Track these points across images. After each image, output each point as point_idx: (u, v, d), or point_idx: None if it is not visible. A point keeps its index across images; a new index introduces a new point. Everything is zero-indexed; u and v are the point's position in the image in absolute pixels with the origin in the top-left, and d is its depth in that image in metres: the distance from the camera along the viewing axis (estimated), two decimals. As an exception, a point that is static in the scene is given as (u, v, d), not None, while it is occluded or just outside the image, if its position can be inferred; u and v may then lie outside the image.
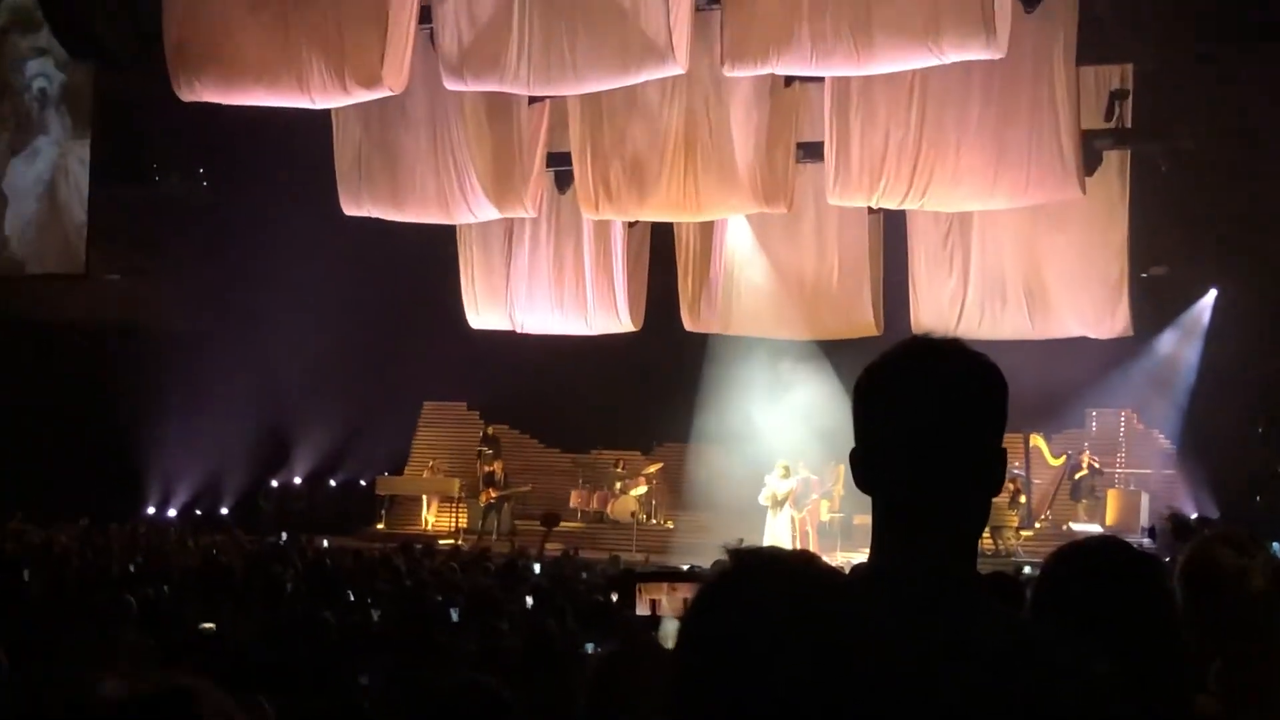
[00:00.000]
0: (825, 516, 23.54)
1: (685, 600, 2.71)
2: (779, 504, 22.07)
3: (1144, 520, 22.71)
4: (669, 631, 2.64)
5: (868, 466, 2.13)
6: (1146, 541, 20.75)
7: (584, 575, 15.00)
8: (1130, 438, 25.76)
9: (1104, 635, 2.47)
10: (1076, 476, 24.40)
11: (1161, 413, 25.01)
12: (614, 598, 10.88)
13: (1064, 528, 22.92)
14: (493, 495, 26.44)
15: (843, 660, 1.65)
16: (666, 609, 2.62)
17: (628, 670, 2.70)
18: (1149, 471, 24.80)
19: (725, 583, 1.74)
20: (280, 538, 21.01)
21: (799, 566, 1.75)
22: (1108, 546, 2.95)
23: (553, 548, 20.44)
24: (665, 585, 2.62)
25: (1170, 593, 2.91)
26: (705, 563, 15.74)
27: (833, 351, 22.86)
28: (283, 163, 24.22)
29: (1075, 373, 23.49)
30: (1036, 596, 2.86)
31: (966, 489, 2.08)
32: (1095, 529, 22.36)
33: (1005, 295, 21.46)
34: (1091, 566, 2.83)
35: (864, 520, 20.57)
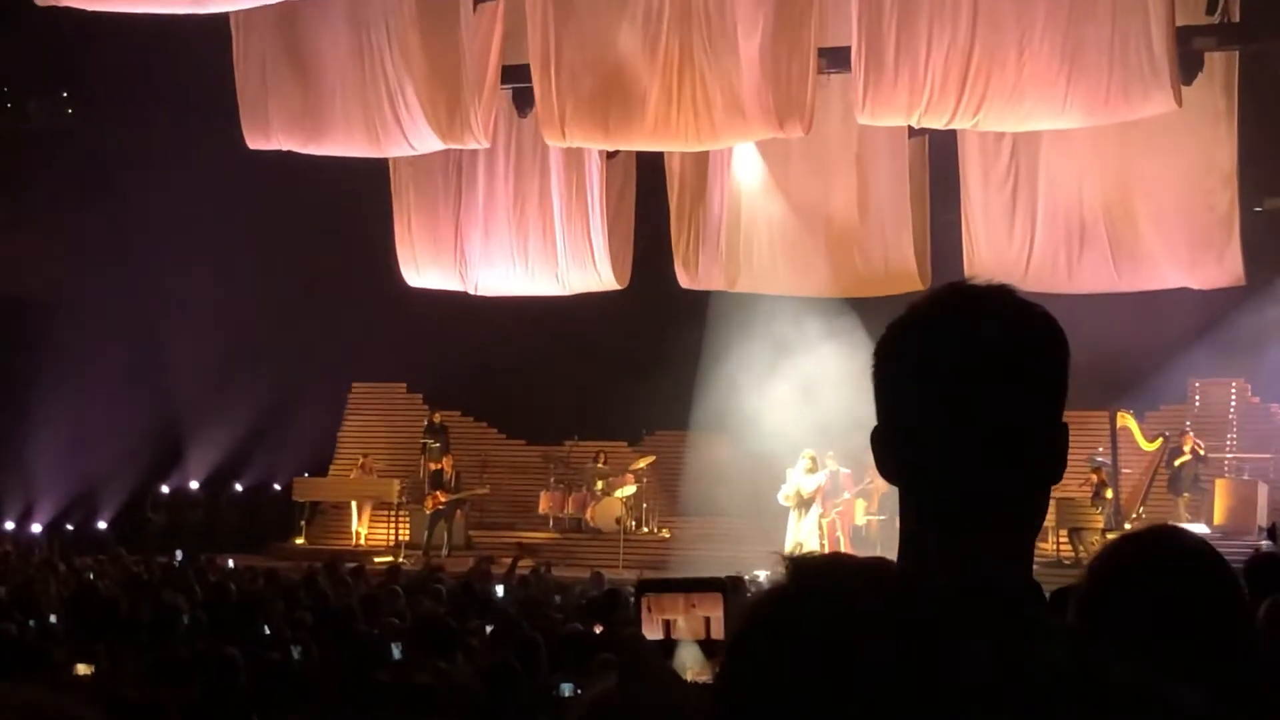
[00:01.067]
0: (861, 519, 23.61)
1: (709, 620, 2.70)
2: (805, 504, 22.13)
3: (1262, 518, 22.78)
4: (688, 660, 2.64)
5: (893, 448, 2.11)
6: (1265, 544, 20.80)
7: (558, 599, 15.02)
8: (1243, 414, 25.85)
9: (1155, 653, 2.49)
10: (1177, 464, 24.46)
11: (1283, 383, 25.14)
12: (597, 630, 10.90)
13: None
14: (441, 500, 26.43)
15: (938, 690, 1.66)
16: (684, 631, 2.60)
17: (629, 714, 2.70)
18: (1267, 456, 24.88)
19: (787, 597, 1.74)
20: (174, 557, 21.00)
21: (874, 577, 1.76)
22: (1155, 541, 2.96)
23: (521, 564, 20.44)
24: (681, 600, 2.60)
25: (1241, 601, 2.92)
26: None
27: (867, 312, 22.82)
28: (169, 84, 24.15)
29: (1173, 334, 23.53)
30: (1080, 609, 2.86)
31: (1018, 477, 2.06)
32: (1201, 529, 22.43)
33: (1083, 238, 21.48)
34: (1134, 567, 2.85)
35: (910, 523, 20.72)
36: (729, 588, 2.74)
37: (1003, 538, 2.05)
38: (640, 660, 2.66)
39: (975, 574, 2.00)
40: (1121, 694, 1.91)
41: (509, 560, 20.12)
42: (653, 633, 2.69)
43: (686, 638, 2.65)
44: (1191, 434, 24.63)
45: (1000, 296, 2.09)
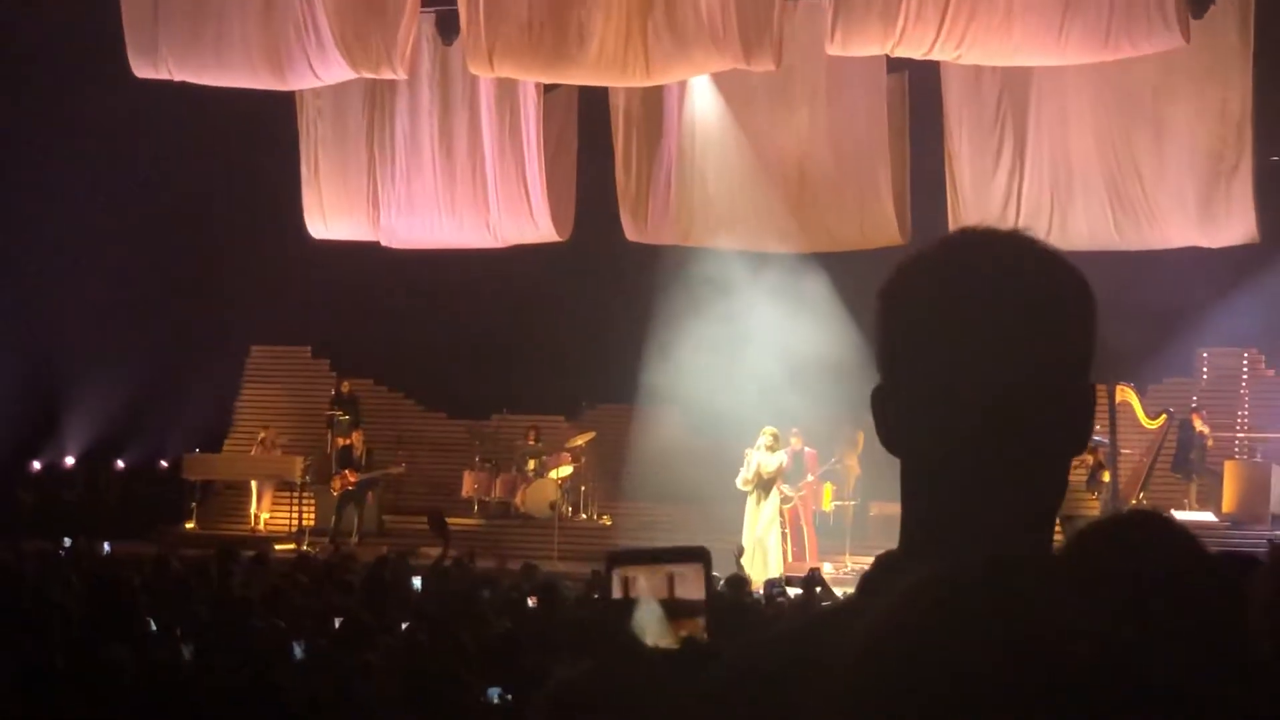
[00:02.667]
0: (829, 505, 23.67)
1: (672, 577, 2.73)
2: (764, 486, 22.18)
3: (1275, 504, 22.97)
4: (647, 620, 2.66)
5: (899, 411, 2.09)
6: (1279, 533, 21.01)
7: (485, 593, 15.02)
8: (1256, 388, 26.04)
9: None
10: (1183, 442, 24.60)
11: (1300, 353, 25.37)
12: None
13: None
14: (351, 480, 26.36)
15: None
16: (645, 588, 2.61)
17: (602, 700, 2.73)
18: (1283, 435, 25.08)
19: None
20: (61, 544, 20.80)
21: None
22: (1141, 525, 2.98)
23: (438, 553, 20.41)
24: (661, 572, 2.62)
25: (1240, 601, 2.95)
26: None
27: (840, 270, 22.93)
28: (43, 5, 23.93)
29: (1179, 299, 23.70)
30: None
31: (1042, 443, 2.05)
32: (1208, 518, 22.62)
33: (1079, 189, 21.62)
34: (1117, 554, 2.88)
35: (884, 510, 20.79)
36: (709, 557, 2.75)
37: (1019, 514, 2.05)
38: (619, 641, 2.69)
39: (989, 559, 2.01)
40: (1156, 688, 1.92)
41: (431, 550, 20.10)
42: (647, 595, 2.70)
43: (647, 595, 2.67)
44: (1204, 413, 24.73)
45: (1024, 243, 2.11)
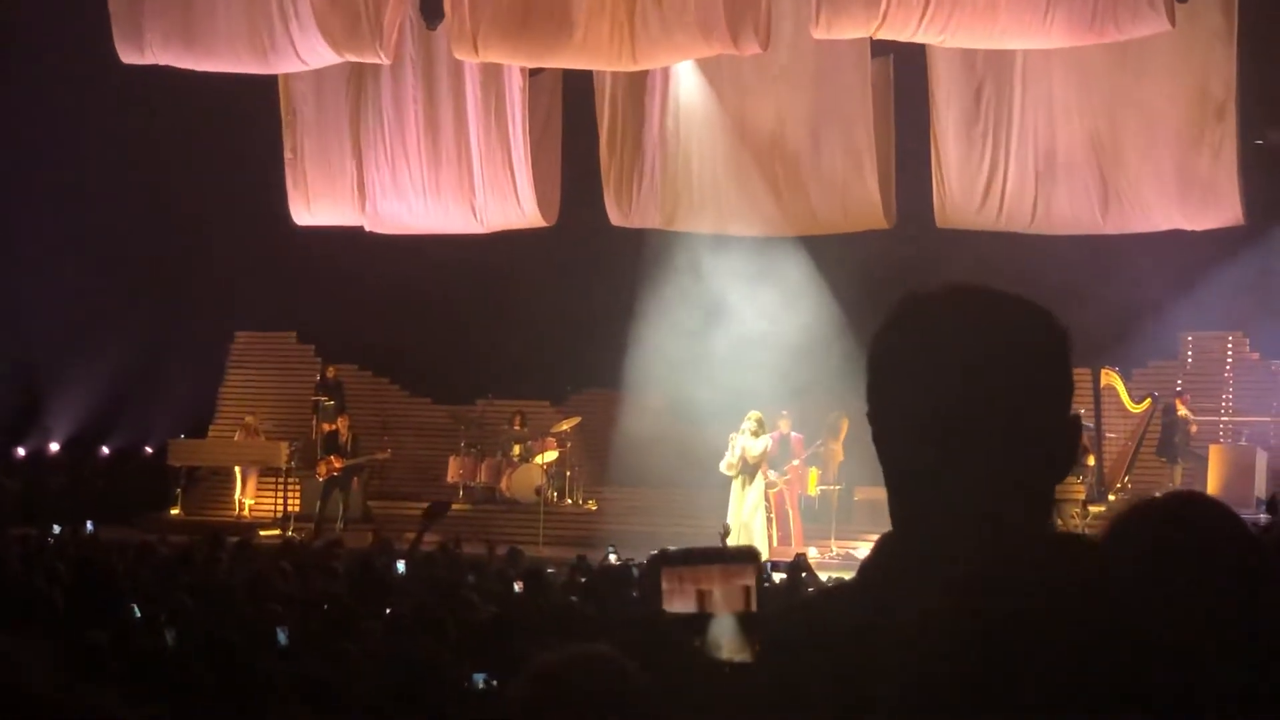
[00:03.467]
0: (814, 489, 23.65)
1: (748, 590, 2.74)
2: (749, 471, 22.14)
3: (1260, 488, 22.99)
4: (724, 637, 2.67)
5: (880, 434, 2.30)
6: (1264, 517, 21.02)
7: (471, 578, 14.99)
8: (1240, 372, 26.06)
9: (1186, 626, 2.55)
10: (1167, 426, 24.61)
11: (1285, 336, 25.36)
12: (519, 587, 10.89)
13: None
14: (336, 466, 26.33)
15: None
16: (720, 604, 2.60)
17: (577, 689, 2.70)
18: (1267, 419, 25.12)
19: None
20: (47, 531, 20.72)
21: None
22: (1188, 508, 3.00)
23: (425, 539, 20.37)
24: (717, 570, 2.62)
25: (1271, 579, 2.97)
26: (640, 556, 15.78)
27: (826, 253, 22.91)
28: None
29: (1163, 282, 23.69)
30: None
31: (1013, 473, 2.21)
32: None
33: (1063, 173, 21.61)
34: (1164, 537, 2.88)
35: (869, 495, 20.78)
36: (759, 556, 2.78)
37: (1013, 524, 2.19)
38: (665, 640, 2.69)
39: (989, 531, 2.13)
40: (1163, 651, 1.95)
41: (413, 534, 20.05)
42: (683, 605, 2.69)
43: (723, 611, 2.67)
44: (1187, 397, 24.74)
45: (995, 297, 2.28)
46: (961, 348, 2.20)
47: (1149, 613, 2.00)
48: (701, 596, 2.67)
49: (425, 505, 21.03)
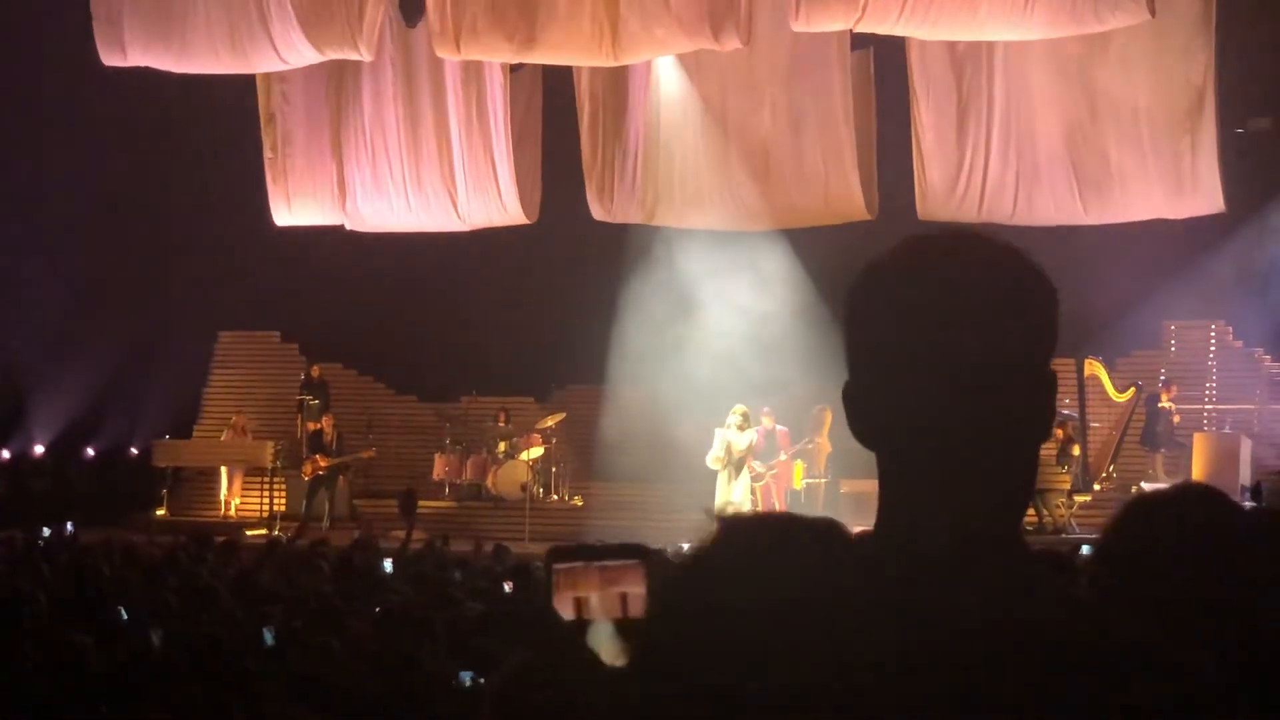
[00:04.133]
0: (799, 483, 23.65)
1: (625, 597, 2.68)
2: (735, 465, 22.16)
3: (1244, 476, 23.03)
4: (602, 643, 2.61)
5: (868, 405, 2.14)
6: (1248, 505, 21.04)
7: (457, 575, 14.99)
8: (1224, 360, 26.12)
9: (1189, 622, 2.54)
10: (1150, 415, 24.64)
11: (1268, 324, 25.35)
12: (508, 589, 10.88)
13: (1134, 489, 23.15)
14: (321, 465, 26.31)
15: (859, 648, 1.67)
16: (599, 610, 2.55)
17: (544, 691, 2.67)
18: (1250, 407, 25.16)
19: (715, 559, 1.74)
20: (34, 533, 20.67)
21: (813, 533, 1.75)
22: (1195, 499, 3.00)
23: (413, 536, 20.35)
24: (595, 573, 2.55)
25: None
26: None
27: (807, 246, 22.91)
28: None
29: (1146, 271, 23.72)
30: (1097, 573, 2.91)
31: (1006, 434, 2.09)
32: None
33: (1044, 163, 21.66)
34: (1167, 529, 2.88)
35: (855, 488, 20.77)
36: (650, 556, 2.71)
37: (991, 497, 2.09)
38: (552, 631, 2.64)
39: (964, 529, 2.05)
40: (1125, 657, 1.96)
41: (400, 532, 20.04)
42: (564, 611, 2.65)
43: (600, 617, 2.61)
44: (1174, 388, 24.74)
45: (985, 243, 2.16)
46: (973, 294, 2.09)
47: (1126, 625, 1.99)
48: (579, 603, 2.61)
49: (396, 503, 21.13)
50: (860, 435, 2.15)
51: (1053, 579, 2.08)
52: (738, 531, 1.75)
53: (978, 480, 2.08)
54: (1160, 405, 24.30)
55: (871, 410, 2.13)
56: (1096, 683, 1.92)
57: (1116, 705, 1.91)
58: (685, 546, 1.96)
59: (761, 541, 1.74)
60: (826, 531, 1.75)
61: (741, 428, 22.01)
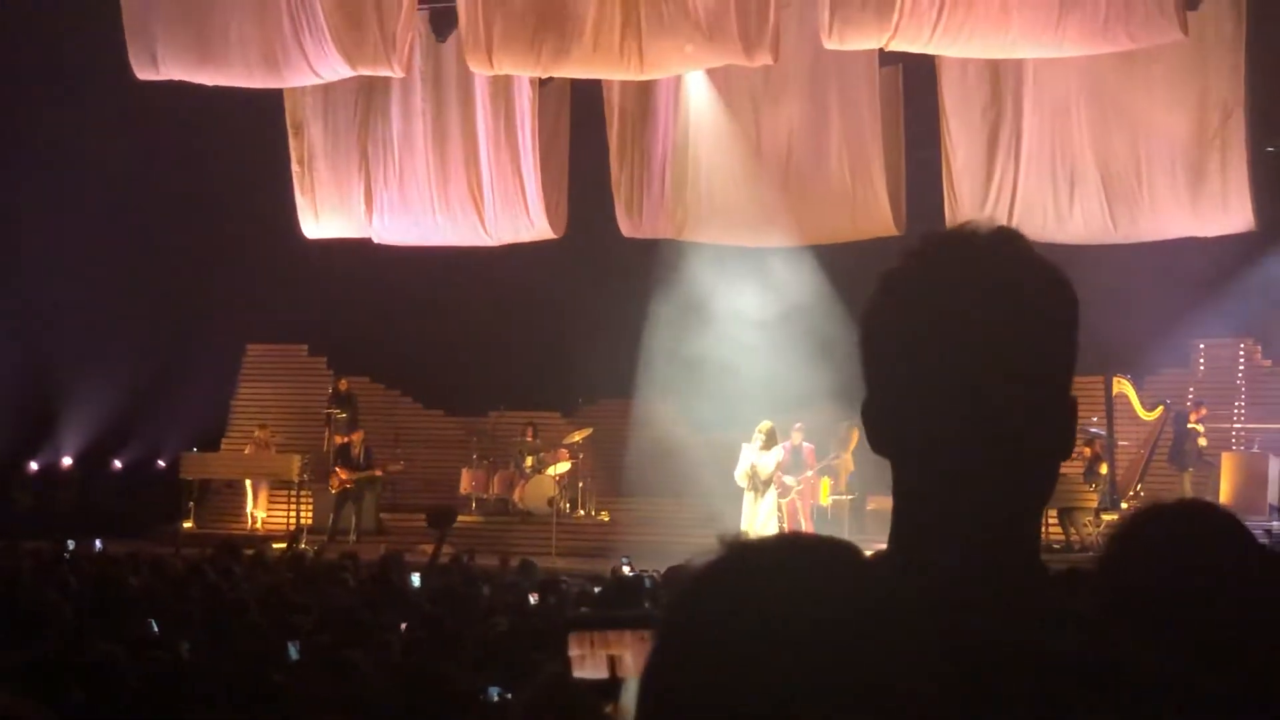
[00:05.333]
0: (826, 499, 23.63)
1: (614, 659, 2.67)
2: (762, 483, 22.13)
3: (1273, 495, 22.97)
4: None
5: (885, 420, 2.10)
6: (1278, 525, 20.97)
7: (485, 590, 14.99)
8: (1252, 379, 26.01)
9: (1177, 636, 2.55)
10: (1178, 434, 24.55)
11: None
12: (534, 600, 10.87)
13: (1163, 508, 23.05)
14: (348, 479, 26.32)
15: (865, 673, 1.65)
16: (631, 668, 2.54)
17: (576, 703, 2.68)
18: (1279, 427, 25.03)
19: (718, 573, 1.72)
20: (61, 545, 20.73)
21: (824, 556, 1.73)
22: (1187, 516, 3.01)
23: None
24: (628, 635, 2.53)
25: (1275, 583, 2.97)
26: (660, 569, 15.78)
27: (836, 262, 22.86)
28: (41, 4, 23.91)
29: (1175, 290, 23.65)
30: (1097, 582, 2.93)
31: (1024, 445, 2.05)
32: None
33: (1075, 181, 21.61)
34: (1160, 544, 2.90)
35: (882, 505, 20.75)
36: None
37: (1008, 516, 2.06)
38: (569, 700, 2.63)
39: (975, 555, 2.02)
40: (1141, 684, 1.94)
41: (429, 546, 20.04)
42: (594, 671, 2.63)
43: (634, 675, 2.58)
44: (1204, 410, 24.61)
45: (1007, 246, 2.09)
46: (992, 301, 2.03)
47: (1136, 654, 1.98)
48: (613, 662, 2.58)
49: (427, 516, 21.13)
50: (876, 448, 2.12)
51: (1066, 601, 2.07)
52: (740, 555, 1.74)
53: (994, 498, 2.05)
54: (1188, 425, 24.21)
55: (888, 426, 2.10)
56: (1109, 709, 1.89)
57: None
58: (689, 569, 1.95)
59: (765, 564, 1.72)
60: (836, 553, 1.73)
61: (766, 447, 21.95)
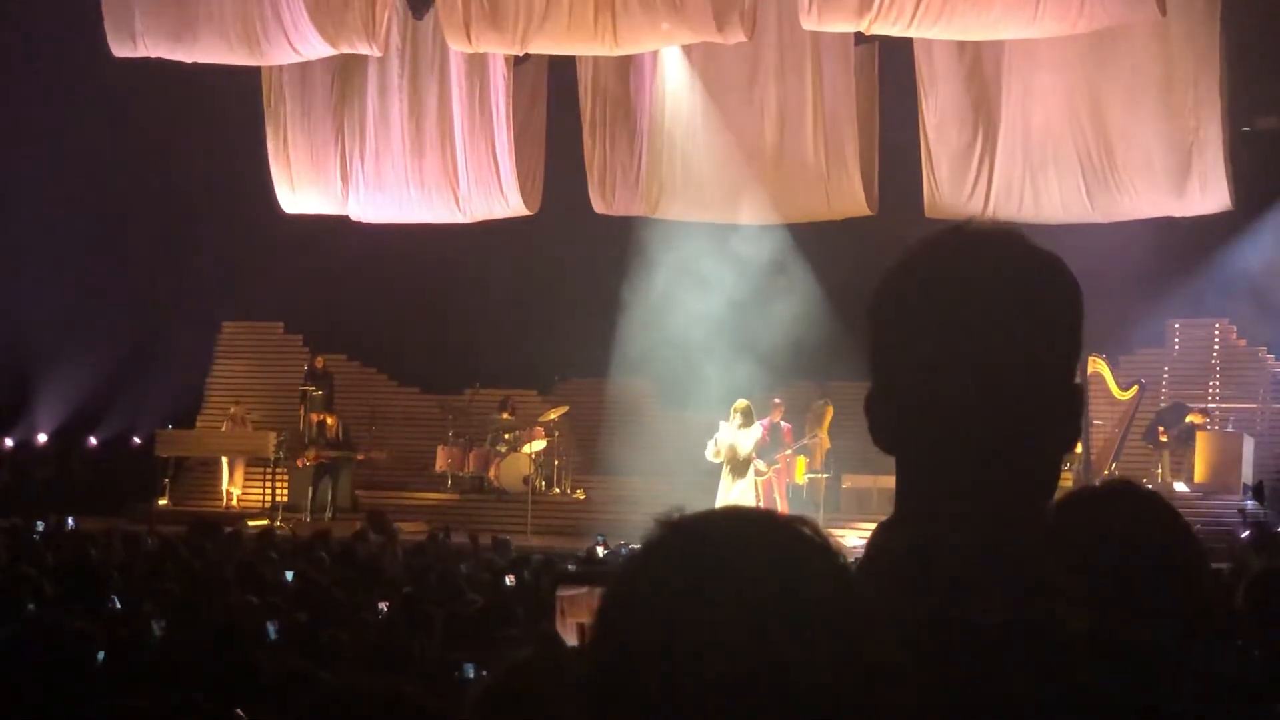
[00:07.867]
0: (802, 478, 23.62)
1: None
2: (739, 462, 22.09)
3: (1247, 474, 23.00)
4: None
5: (890, 411, 2.12)
6: (1250, 504, 21.03)
7: (462, 568, 14.99)
8: (1227, 359, 26.07)
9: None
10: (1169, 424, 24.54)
11: (1271, 324, 25.32)
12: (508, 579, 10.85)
13: (1139, 488, 23.07)
14: (324, 456, 26.25)
15: (846, 650, 1.63)
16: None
17: (537, 690, 2.65)
18: (1253, 406, 25.11)
19: (657, 557, 1.69)
20: (32, 524, 20.66)
21: (778, 536, 1.70)
22: (1114, 498, 3.03)
23: (414, 529, 20.34)
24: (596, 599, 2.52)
25: (1201, 564, 3.01)
26: (630, 545, 15.78)
27: (809, 241, 22.87)
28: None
29: (1150, 269, 23.67)
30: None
31: (1034, 437, 2.08)
32: (1181, 489, 22.63)
33: (1051, 161, 21.63)
34: (1088, 524, 2.91)
35: (857, 483, 20.73)
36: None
37: (1016, 503, 2.08)
38: (551, 638, 2.62)
39: (986, 538, 2.03)
40: (1154, 659, 1.97)
41: (404, 525, 20.07)
42: (567, 637, 2.62)
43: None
44: (1203, 417, 24.51)
45: (1010, 240, 2.12)
46: (1008, 302, 2.06)
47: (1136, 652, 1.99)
48: (584, 631, 2.57)
49: (367, 518, 21.12)
50: (879, 441, 2.13)
51: (1071, 584, 2.06)
52: (679, 529, 1.70)
53: (1004, 485, 2.06)
54: (1186, 420, 24.18)
55: (892, 415, 2.11)
56: (1116, 686, 1.91)
57: (1137, 707, 1.90)
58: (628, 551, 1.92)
59: (708, 536, 1.69)
60: (781, 527, 1.70)
61: (743, 425, 21.90)
